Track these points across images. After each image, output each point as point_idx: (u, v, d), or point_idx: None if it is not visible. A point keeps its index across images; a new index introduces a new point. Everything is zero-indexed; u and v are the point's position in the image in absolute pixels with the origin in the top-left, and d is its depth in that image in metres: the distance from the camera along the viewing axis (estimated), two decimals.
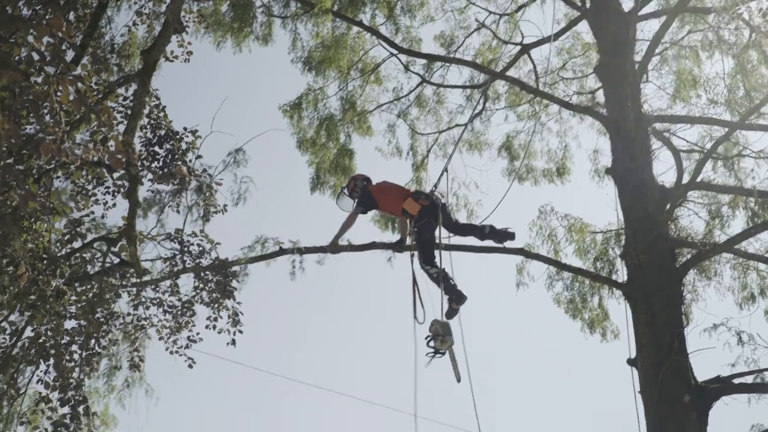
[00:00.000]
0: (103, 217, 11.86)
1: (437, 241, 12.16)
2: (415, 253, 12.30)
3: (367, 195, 12.83)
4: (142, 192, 11.32)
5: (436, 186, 12.84)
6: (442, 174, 13.07)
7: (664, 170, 14.90)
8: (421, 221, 12.28)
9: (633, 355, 12.36)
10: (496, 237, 12.63)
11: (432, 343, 11.40)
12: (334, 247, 12.56)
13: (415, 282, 12.07)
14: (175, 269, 11.81)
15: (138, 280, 11.83)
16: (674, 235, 13.20)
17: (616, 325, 17.64)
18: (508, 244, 12.71)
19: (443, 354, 11.42)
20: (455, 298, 11.91)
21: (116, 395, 13.29)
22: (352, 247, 12.67)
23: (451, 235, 12.71)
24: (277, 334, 32.74)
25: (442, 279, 11.96)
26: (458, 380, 11.40)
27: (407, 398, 11.52)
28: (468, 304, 11.89)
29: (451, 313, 11.88)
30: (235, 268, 12.12)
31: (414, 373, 11.36)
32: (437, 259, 12.09)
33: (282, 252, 12.57)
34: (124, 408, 13.21)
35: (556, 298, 17.72)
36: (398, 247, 12.86)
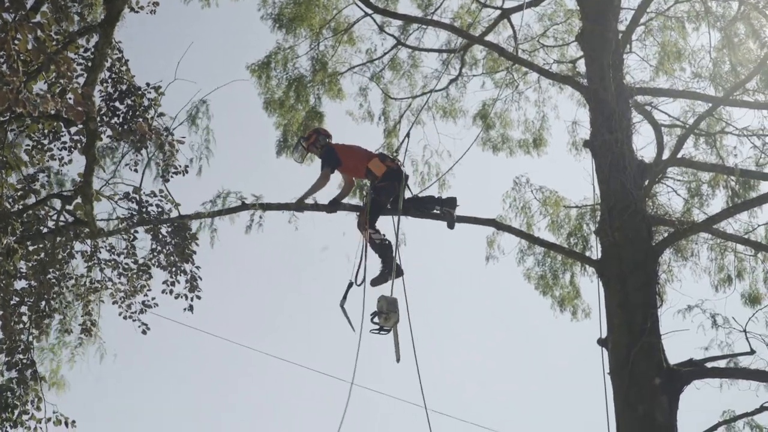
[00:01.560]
0: (58, 173, 11.85)
1: (398, 207, 12.25)
2: (360, 214, 12.36)
3: (332, 153, 12.79)
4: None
5: (396, 152, 12.88)
6: (404, 139, 13.14)
7: (644, 145, 14.95)
8: (382, 182, 12.36)
9: (604, 335, 12.46)
10: (444, 205, 12.71)
11: (376, 320, 11.47)
12: (298, 205, 12.55)
13: (367, 246, 12.12)
14: (131, 224, 11.79)
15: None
16: (652, 213, 13.25)
17: (588, 303, 17.86)
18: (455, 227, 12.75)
19: (387, 331, 11.49)
20: (389, 270, 11.98)
21: (68, 354, 13.29)
22: (288, 206, 12.63)
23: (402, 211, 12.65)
24: (234, 298, 32.78)
25: (385, 248, 12.07)
26: (398, 360, 11.47)
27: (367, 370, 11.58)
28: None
29: (381, 279, 11.96)
30: (194, 226, 12.15)
31: (358, 342, 11.43)
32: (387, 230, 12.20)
33: (244, 207, 12.50)
34: (72, 368, 13.18)
35: (527, 274, 17.88)
36: (330, 207, 12.69)
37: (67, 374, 12.80)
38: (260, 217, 12.80)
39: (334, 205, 12.71)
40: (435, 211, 12.80)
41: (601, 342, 12.45)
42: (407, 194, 12.65)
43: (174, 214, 11.89)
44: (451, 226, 12.72)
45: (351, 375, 11.28)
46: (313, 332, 33.01)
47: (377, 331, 11.51)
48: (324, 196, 12.79)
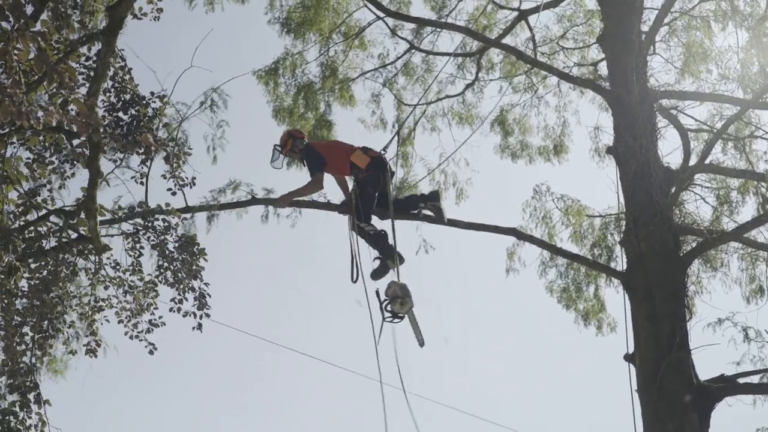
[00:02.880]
0: (60, 187, 11.87)
1: (388, 198, 12.25)
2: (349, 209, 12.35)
3: (314, 153, 12.74)
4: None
5: (385, 149, 12.85)
6: (394, 136, 13.14)
7: (669, 151, 14.90)
8: (366, 173, 12.31)
9: (631, 350, 12.43)
10: (427, 200, 12.69)
11: (390, 307, 11.37)
12: (282, 202, 12.60)
13: (356, 240, 12.10)
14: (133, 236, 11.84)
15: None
16: (679, 222, 13.24)
17: (613, 317, 17.80)
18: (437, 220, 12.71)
19: (402, 318, 11.41)
20: (391, 258, 11.95)
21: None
22: (292, 203, 12.75)
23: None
24: (242, 289, 32.96)
25: (379, 237, 12.04)
26: (421, 344, 11.44)
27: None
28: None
29: (381, 272, 11.94)
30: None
31: (374, 339, 11.36)
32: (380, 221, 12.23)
33: (254, 202, 12.71)
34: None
35: (549, 287, 17.85)
36: (343, 208, 12.67)
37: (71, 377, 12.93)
38: (273, 211, 13.09)
39: (347, 207, 12.66)
40: (420, 210, 12.77)
41: (628, 357, 12.42)
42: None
43: (181, 228, 11.94)
44: (441, 221, 12.68)
45: (376, 373, 11.22)
46: (329, 327, 33.16)
47: (391, 320, 11.39)
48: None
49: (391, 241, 12.08)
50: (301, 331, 31.76)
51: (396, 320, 11.41)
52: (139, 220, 11.80)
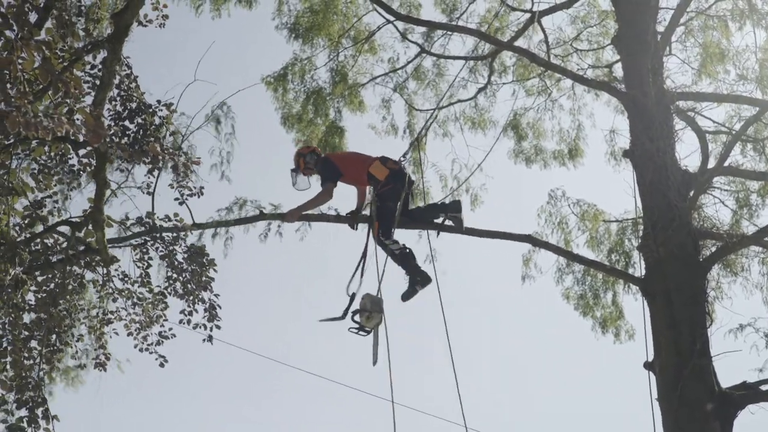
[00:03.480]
0: (66, 198, 11.89)
1: (398, 212, 12.15)
2: (370, 223, 12.31)
3: (330, 164, 12.70)
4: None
5: (403, 157, 12.82)
6: (411, 145, 13.11)
7: (687, 153, 14.95)
8: (386, 186, 12.25)
9: (650, 357, 12.40)
10: (448, 210, 12.66)
11: (357, 318, 11.43)
12: (291, 217, 12.58)
13: (364, 254, 12.06)
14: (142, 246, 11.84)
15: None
16: (698, 226, 13.20)
17: (632, 324, 17.81)
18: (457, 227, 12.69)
19: (368, 332, 11.44)
20: (420, 280, 11.94)
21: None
22: (302, 217, 12.72)
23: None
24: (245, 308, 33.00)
25: (405, 257, 12.02)
26: (374, 363, 11.40)
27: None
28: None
29: (410, 293, 11.93)
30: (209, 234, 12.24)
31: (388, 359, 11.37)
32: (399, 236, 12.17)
33: (261, 217, 12.69)
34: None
35: (566, 294, 17.85)
36: (352, 219, 12.68)
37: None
38: (279, 226, 12.95)
39: (356, 218, 12.69)
40: (440, 220, 12.73)
41: (648, 365, 12.38)
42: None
43: (190, 237, 11.93)
44: (460, 230, 12.64)
45: (387, 392, 11.21)
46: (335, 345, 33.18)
47: (356, 331, 11.46)
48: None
49: (415, 259, 12.10)
50: (309, 347, 31.73)
51: (362, 333, 11.50)
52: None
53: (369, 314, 11.34)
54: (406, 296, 11.94)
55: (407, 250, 12.07)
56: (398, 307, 11.83)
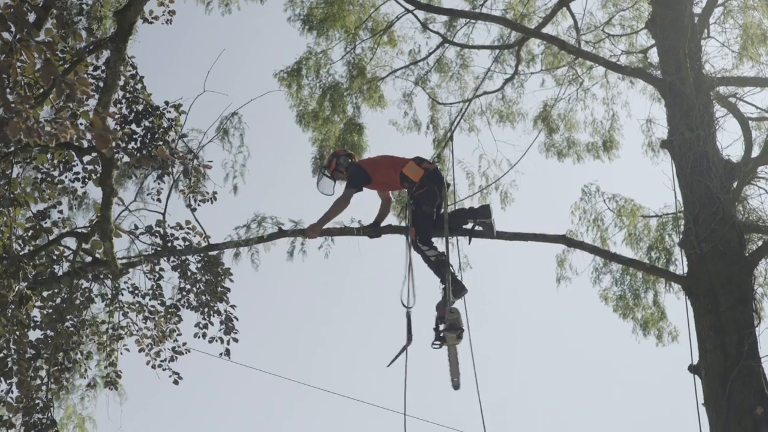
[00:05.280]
0: (71, 208, 11.91)
1: (438, 216, 12.14)
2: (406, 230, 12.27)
3: (360, 170, 12.63)
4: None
5: (438, 158, 12.78)
6: (446, 143, 13.05)
7: (729, 142, 14.84)
8: (421, 189, 12.21)
9: (695, 360, 12.36)
10: (478, 216, 12.62)
11: (445, 334, 11.33)
12: (312, 232, 12.44)
13: (410, 265, 12.00)
14: (154, 259, 11.84)
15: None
16: (742, 219, 13.15)
17: (675, 325, 17.73)
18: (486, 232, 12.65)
19: (446, 347, 11.36)
20: (454, 289, 11.89)
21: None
22: (323, 232, 12.55)
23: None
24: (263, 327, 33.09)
25: (441, 264, 11.99)
26: (457, 387, 11.37)
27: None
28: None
29: (443, 304, 11.81)
30: (229, 252, 12.23)
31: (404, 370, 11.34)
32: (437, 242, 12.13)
33: (281, 234, 12.55)
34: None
35: (604, 295, 17.79)
36: (373, 231, 12.65)
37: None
38: (302, 243, 12.90)
39: (377, 229, 12.66)
40: (470, 226, 12.70)
41: (693, 369, 12.35)
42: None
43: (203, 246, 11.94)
44: (491, 235, 12.59)
45: (401, 405, 11.22)
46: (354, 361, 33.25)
47: (438, 345, 11.41)
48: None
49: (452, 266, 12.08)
50: (327, 365, 31.80)
51: (439, 347, 11.43)
52: (157, 239, 11.79)
53: (459, 333, 11.29)
54: (440, 306, 11.85)
55: (443, 257, 12.03)
56: (420, 314, 11.84)
